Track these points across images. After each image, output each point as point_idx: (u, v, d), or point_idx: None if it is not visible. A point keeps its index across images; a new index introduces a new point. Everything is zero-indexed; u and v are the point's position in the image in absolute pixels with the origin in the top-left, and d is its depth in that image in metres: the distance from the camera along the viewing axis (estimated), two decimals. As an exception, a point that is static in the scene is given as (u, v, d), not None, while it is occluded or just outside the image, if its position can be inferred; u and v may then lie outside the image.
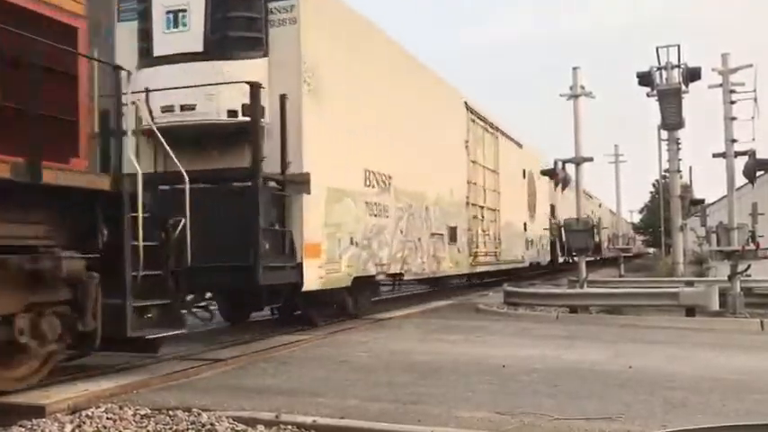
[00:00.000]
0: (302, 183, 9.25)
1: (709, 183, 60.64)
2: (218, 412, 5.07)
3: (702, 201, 21.92)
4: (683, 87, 18.91)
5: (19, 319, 5.64)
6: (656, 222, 43.78)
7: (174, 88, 8.75)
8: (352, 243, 10.73)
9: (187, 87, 8.72)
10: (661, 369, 7.08)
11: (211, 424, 4.82)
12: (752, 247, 14.72)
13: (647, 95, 19.10)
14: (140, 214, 6.47)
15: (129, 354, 6.93)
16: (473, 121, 17.55)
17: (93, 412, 5.13)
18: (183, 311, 7.42)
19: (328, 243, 9.98)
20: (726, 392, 5.93)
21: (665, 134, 20.91)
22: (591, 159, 15.93)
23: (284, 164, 9.21)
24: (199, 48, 8.96)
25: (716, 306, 12.36)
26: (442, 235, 14.98)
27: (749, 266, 14.14)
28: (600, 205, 42.71)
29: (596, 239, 15.38)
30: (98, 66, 6.79)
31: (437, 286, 17.76)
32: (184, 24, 9.02)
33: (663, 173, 23.64)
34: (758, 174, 15.94)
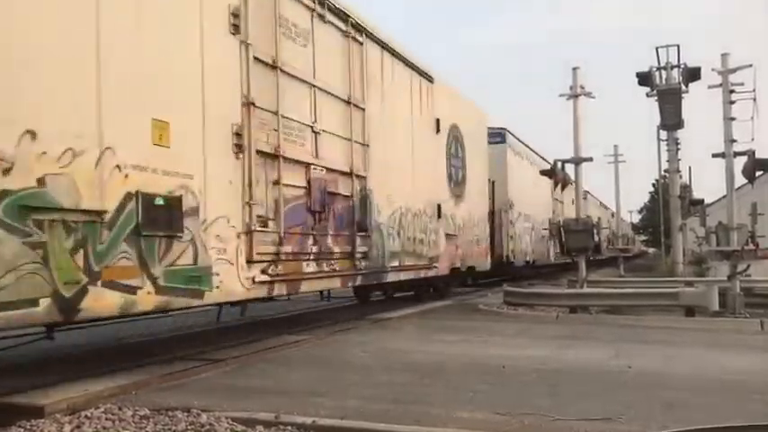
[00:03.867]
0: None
1: (708, 183, 60.71)
2: (218, 413, 5.06)
3: (702, 201, 21.93)
4: (683, 87, 18.94)
5: None
6: (655, 222, 44.06)
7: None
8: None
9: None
10: (661, 369, 7.07)
11: (210, 424, 4.81)
12: (751, 247, 14.71)
13: (647, 95, 19.15)
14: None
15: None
16: None
17: (92, 413, 5.12)
18: None
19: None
20: (726, 392, 5.93)
21: (664, 134, 20.92)
22: (590, 159, 15.95)
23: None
24: None
25: (716, 306, 12.37)
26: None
27: (749, 266, 14.14)
28: (612, 215, 44.58)
29: (596, 239, 15.40)
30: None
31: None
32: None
33: (662, 173, 23.65)
34: (757, 174, 15.93)
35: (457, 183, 15.74)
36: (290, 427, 4.81)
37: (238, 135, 7.58)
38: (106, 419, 4.98)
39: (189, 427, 4.78)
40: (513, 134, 23.45)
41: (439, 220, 14.14)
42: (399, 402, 5.48)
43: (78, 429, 4.80)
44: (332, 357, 7.93)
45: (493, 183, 20.28)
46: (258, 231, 7.81)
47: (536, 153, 27.50)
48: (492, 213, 19.93)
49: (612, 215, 45.95)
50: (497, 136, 21.51)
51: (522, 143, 25.24)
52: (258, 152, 7.93)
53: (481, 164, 18.06)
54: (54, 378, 6.19)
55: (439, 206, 14.24)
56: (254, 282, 7.76)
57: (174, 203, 6.46)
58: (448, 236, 14.75)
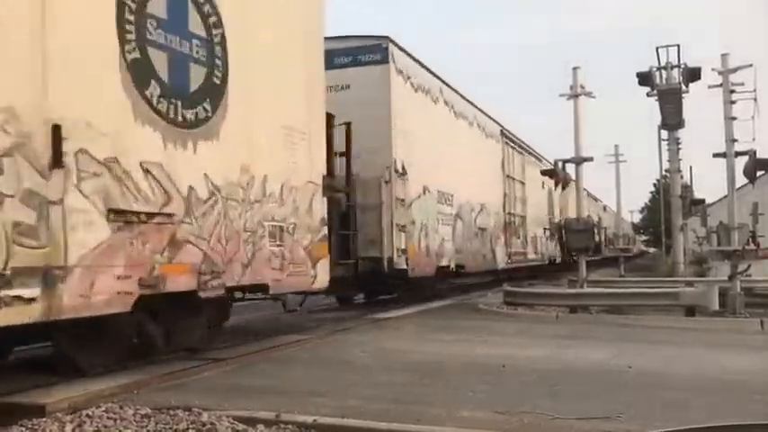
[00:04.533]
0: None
1: (709, 183, 60.94)
2: (219, 412, 5.07)
3: (703, 201, 21.92)
4: (683, 87, 18.93)
5: None
6: (656, 222, 44.13)
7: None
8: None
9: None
10: (661, 369, 7.08)
11: (212, 423, 4.82)
12: (752, 247, 14.71)
13: (648, 95, 19.13)
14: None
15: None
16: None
17: (93, 412, 5.13)
18: None
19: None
20: (726, 392, 5.94)
21: (665, 134, 20.91)
22: (591, 159, 15.94)
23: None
24: None
25: (716, 306, 12.37)
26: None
27: (749, 266, 14.14)
28: (605, 208, 44.52)
29: (596, 239, 15.42)
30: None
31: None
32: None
33: (663, 173, 23.65)
34: (758, 173, 15.94)
35: (183, 93, 6.95)
36: (290, 426, 4.82)
37: None
38: (107, 418, 4.99)
39: (190, 426, 4.79)
40: (410, 54, 14.09)
41: (60, 169, 5.43)
42: (399, 402, 5.49)
43: (79, 428, 4.81)
44: (332, 357, 7.94)
45: (348, 125, 11.70)
46: None
47: (474, 105, 18.44)
48: (346, 182, 11.89)
49: (605, 209, 45.62)
50: (373, 51, 12.83)
51: (440, 79, 15.81)
52: None
53: (295, 71, 9.14)
54: (55, 377, 6.20)
55: (57, 137, 5.41)
56: None
57: None
58: (116, 214, 6.01)
